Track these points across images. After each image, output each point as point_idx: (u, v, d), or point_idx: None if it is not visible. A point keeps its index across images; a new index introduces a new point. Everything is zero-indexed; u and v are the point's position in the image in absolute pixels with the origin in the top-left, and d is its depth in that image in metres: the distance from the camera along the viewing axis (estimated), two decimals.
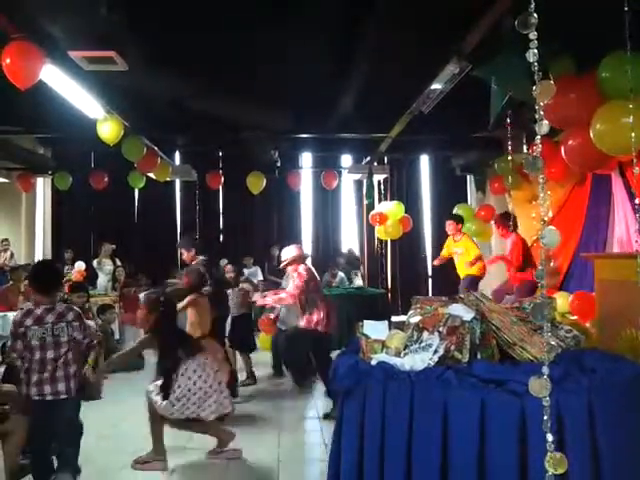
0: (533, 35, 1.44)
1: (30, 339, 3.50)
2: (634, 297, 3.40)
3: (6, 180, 9.21)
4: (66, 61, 4.46)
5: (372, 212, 9.34)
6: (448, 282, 8.88)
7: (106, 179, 9.32)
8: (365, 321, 3.09)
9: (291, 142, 9.35)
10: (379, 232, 9.67)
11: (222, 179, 9.55)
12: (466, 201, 10.83)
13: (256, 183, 9.31)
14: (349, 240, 11.87)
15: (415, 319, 2.95)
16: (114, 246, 9.81)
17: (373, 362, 2.70)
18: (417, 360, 2.60)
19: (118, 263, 9.87)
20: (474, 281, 7.42)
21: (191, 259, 6.22)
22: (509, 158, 6.85)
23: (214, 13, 4.65)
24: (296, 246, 5.74)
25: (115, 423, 5.13)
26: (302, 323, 5.35)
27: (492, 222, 8.19)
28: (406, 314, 3.24)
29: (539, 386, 1.42)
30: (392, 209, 9.21)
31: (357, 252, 11.35)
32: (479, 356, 2.63)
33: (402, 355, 2.73)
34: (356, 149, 9.87)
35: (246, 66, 5.87)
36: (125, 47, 4.30)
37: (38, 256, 10.54)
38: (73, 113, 6.05)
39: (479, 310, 2.80)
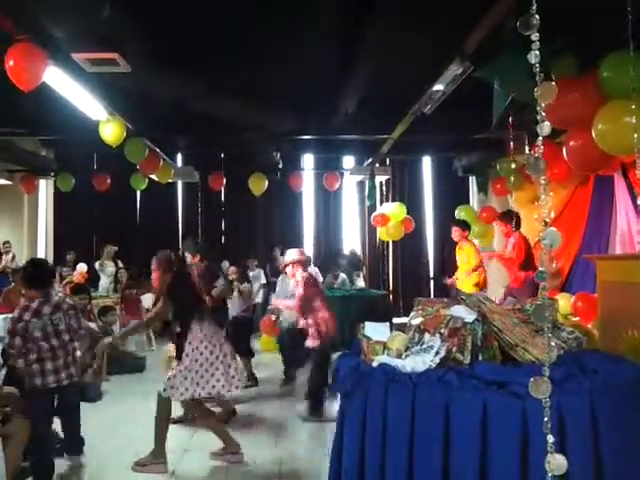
0: (535, 36, 1.44)
1: (32, 332, 3.72)
2: (636, 298, 3.40)
3: (9, 182, 9.23)
4: (69, 63, 4.47)
5: (374, 213, 9.34)
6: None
7: (108, 181, 9.33)
8: (366, 323, 3.09)
9: (293, 143, 9.35)
10: (381, 233, 9.66)
11: (224, 181, 9.56)
12: (468, 202, 10.81)
13: (258, 184, 9.31)
14: (351, 241, 11.88)
15: (417, 321, 2.95)
16: (116, 248, 9.82)
17: (374, 364, 2.70)
18: (418, 362, 2.60)
19: (120, 265, 9.89)
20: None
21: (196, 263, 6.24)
22: (511, 159, 6.85)
23: (215, 14, 4.65)
24: (298, 250, 5.74)
25: (115, 424, 5.14)
26: (315, 342, 5.31)
27: (494, 223, 8.18)
28: (408, 316, 3.23)
29: (539, 387, 1.42)
30: (394, 210, 9.21)
31: (359, 253, 11.34)
32: (481, 358, 2.63)
33: (403, 357, 2.73)
34: (358, 150, 9.87)
35: (247, 67, 5.87)
36: (128, 49, 4.31)
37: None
38: (76, 115, 6.06)
39: (481, 312, 2.80)
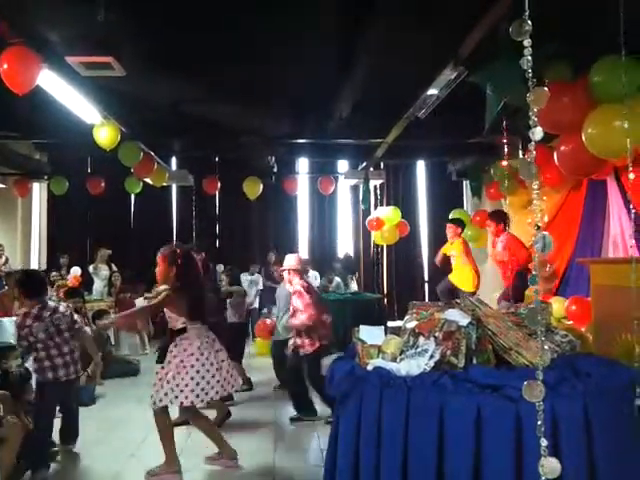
0: (527, 42, 1.45)
1: (37, 334, 4.13)
2: (630, 302, 3.41)
3: (2, 185, 9.20)
4: (63, 66, 4.46)
5: (369, 217, 9.35)
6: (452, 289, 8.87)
7: (102, 184, 9.31)
8: (361, 326, 3.09)
9: (288, 147, 9.36)
10: (376, 237, 9.68)
11: (219, 184, 9.55)
12: (462, 206, 10.85)
13: (253, 188, 9.31)
14: (345, 245, 11.88)
15: (411, 324, 2.96)
16: (110, 251, 9.79)
17: (369, 367, 2.70)
18: (413, 365, 2.60)
19: (114, 268, 9.86)
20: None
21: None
22: (505, 164, 6.87)
23: (214, 14, 4.66)
24: (297, 257, 5.71)
25: (109, 428, 5.12)
26: (308, 349, 5.30)
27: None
28: (402, 319, 3.24)
29: (533, 391, 1.43)
30: (388, 214, 9.23)
31: (352, 257, 11.34)
32: (475, 361, 2.64)
33: (398, 360, 2.74)
34: (352, 154, 9.88)
35: (244, 69, 5.87)
36: (122, 52, 4.30)
37: (34, 261, 10.50)
38: (70, 118, 6.05)
39: (475, 315, 2.81)
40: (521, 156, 7.04)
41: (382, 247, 11.22)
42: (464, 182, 10.89)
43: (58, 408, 4.51)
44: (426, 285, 11.69)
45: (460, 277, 7.56)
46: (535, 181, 1.39)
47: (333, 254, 11.38)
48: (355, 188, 10.99)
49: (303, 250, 11.39)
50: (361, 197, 9.54)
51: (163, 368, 3.99)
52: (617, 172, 6.00)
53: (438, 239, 9.19)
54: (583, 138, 4.14)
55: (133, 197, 11.07)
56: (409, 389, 2.43)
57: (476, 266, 7.58)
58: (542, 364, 1.43)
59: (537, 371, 1.45)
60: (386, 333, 3.10)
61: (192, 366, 3.89)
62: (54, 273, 9.40)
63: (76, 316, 4.67)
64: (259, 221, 11.58)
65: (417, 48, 5.05)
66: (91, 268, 9.62)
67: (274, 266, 7.80)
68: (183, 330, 4.10)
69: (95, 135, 6.24)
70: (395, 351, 2.80)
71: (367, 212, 9.96)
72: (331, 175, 10.12)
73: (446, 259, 7.92)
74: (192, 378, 3.87)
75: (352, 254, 11.44)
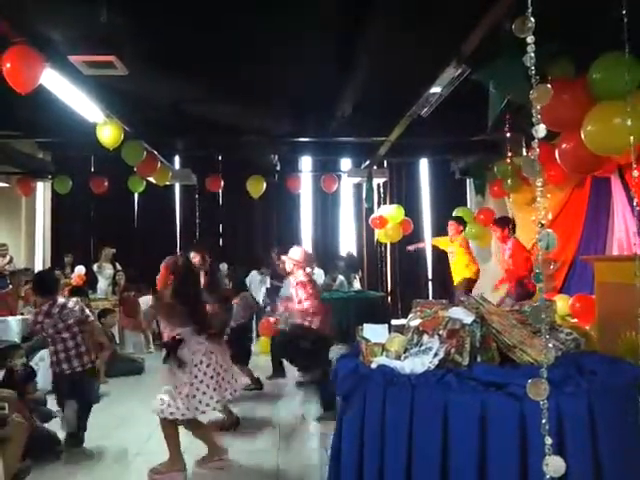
0: (530, 39, 1.45)
1: (47, 330, 4.47)
2: (634, 300, 3.40)
3: (6, 184, 9.21)
4: (66, 65, 4.46)
5: (372, 215, 9.35)
6: (448, 285, 8.88)
7: (106, 183, 9.32)
8: (365, 324, 3.09)
9: (290, 146, 9.36)
10: (379, 235, 9.67)
11: (222, 183, 9.55)
12: (465, 204, 10.83)
13: (256, 187, 9.31)
14: (348, 243, 11.87)
15: (415, 322, 2.95)
16: (114, 250, 9.80)
17: (373, 365, 2.70)
18: (417, 363, 2.60)
19: (118, 267, 9.87)
20: (469, 285, 7.41)
21: (201, 264, 6.24)
22: (508, 161, 6.86)
23: (214, 14, 4.66)
24: (303, 250, 5.72)
25: (114, 426, 5.13)
26: (305, 323, 5.32)
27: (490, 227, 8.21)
28: (406, 317, 3.24)
29: (537, 389, 1.43)
30: (392, 212, 9.23)
31: (355, 255, 11.33)
32: (479, 359, 2.63)
33: (402, 358, 2.73)
34: (355, 153, 9.87)
35: (246, 68, 5.88)
36: (125, 51, 4.30)
37: (38, 260, 10.53)
38: (73, 117, 6.06)
39: (479, 313, 2.80)
40: (524, 154, 7.03)
41: (386, 245, 11.21)
42: (467, 180, 10.86)
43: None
44: (430, 283, 11.67)
45: (461, 271, 7.59)
46: (539, 179, 1.38)
47: (336, 252, 11.36)
48: (358, 186, 10.98)
49: (306, 248, 11.38)
50: (364, 195, 9.53)
51: (170, 382, 3.92)
52: (621, 170, 5.99)
53: (442, 234, 9.18)
54: (582, 135, 4.12)
55: (136, 196, 11.07)
56: (413, 387, 2.43)
57: (476, 261, 7.62)
58: (547, 362, 1.42)
59: (541, 369, 1.44)
60: (390, 331, 3.10)
61: (195, 376, 3.88)
62: (58, 272, 9.42)
63: (87, 311, 4.83)
64: (262, 219, 11.58)
65: (419, 46, 5.04)
66: (95, 267, 9.63)
67: (277, 260, 7.80)
68: (180, 341, 3.98)
69: (98, 134, 6.25)
70: (399, 349, 2.80)
71: (370, 210, 9.95)
72: (334, 173, 10.12)
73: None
74: (197, 389, 3.86)
75: (355, 252, 11.43)
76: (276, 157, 9.93)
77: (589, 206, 7.08)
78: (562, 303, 6.31)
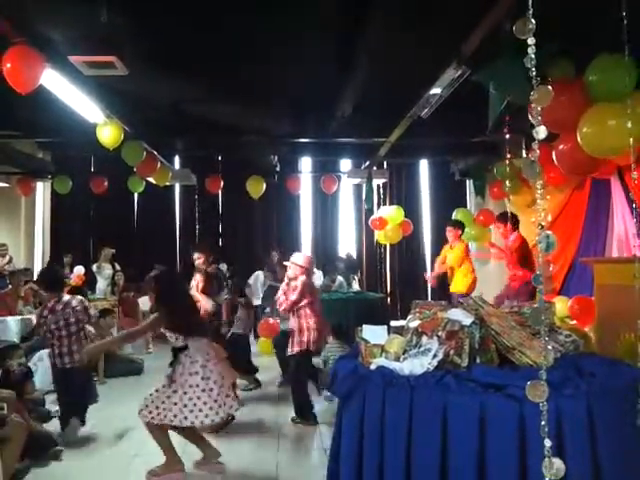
0: (531, 40, 1.45)
1: (49, 325, 4.77)
2: (633, 301, 3.40)
3: (6, 184, 9.21)
4: (66, 66, 4.46)
5: (372, 216, 9.34)
6: (447, 287, 8.87)
7: (106, 183, 9.31)
8: (364, 326, 3.09)
9: (290, 146, 9.35)
10: (379, 236, 9.66)
11: (222, 183, 9.55)
12: (465, 206, 10.83)
13: (256, 187, 9.30)
14: (348, 244, 11.87)
15: (414, 324, 2.95)
16: (114, 250, 9.80)
17: (372, 367, 2.70)
18: (416, 365, 2.60)
19: (117, 267, 9.86)
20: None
21: (204, 266, 6.24)
22: (508, 163, 6.86)
23: (215, 14, 4.66)
24: (307, 256, 5.71)
25: (113, 427, 5.12)
26: (295, 348, 5.29)
27: (491, 228, 8.23)
28: (405, 319, 3.24)
29: (536, 391, 1.42)
30: (392, 213, 9.22)
31: (355, 256, 11.32)
32: (478, 360, 2.63)
33: (401, 360, 2.73)
34: (355, 153, 9.87)
35: (247, 68, 5.88)
36: (125, 52, 4.30)
37: (37, 260, 10.53)
38: (73, 117, 6.05)
39: (478, 315, 2.80)
40: (524, 155, 7.04)
41: (385, 246, 11.21)
42: (467, 181, 10.87)
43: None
44: (429, 284, 11.67)
45: (456, 280, 7.57)
46: (539, 180, 1.38)
47: (335, 253, 11.36)
48: (358, 187, 10.99)
49: (306, 249, 11.38)
50: (364, 196, 9.53)
51: (165, 386, 3.87)
52: (621, 171, 5.99)
53: (441, 238, 9.17)
54: (578, 137, 4.11)
55: (136, 196, 11.08)
56: (412, 388, 2.43)
57: (474, 271, 7.59)
58: (546, 364, 1.42)
59: (541, 371, 1.44)
60: (389, 332, 3.09)
61: (197, 385, 3.82)
62: (66, 271, 9.44)
63: (91, 311, 5.17)
64: (262, 220, 11.58)
65: (419, 46, 5.04)
66: (94, 267, 9.63)
67: (277, 265, 7.79)
68: (185, 347, 3.96)
69: (98, 134, 6.24)
70: (398, 350, 2.80)
71: (370, 211, 9.94)
72: (334, 174, 10.11)
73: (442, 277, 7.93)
74: (199, 397, 3.80)
75: (355, 253, 11.43)
76: (276, 158, 9.93)
77: (589, 208, 7.08)
78: (561, 305, 6.31)
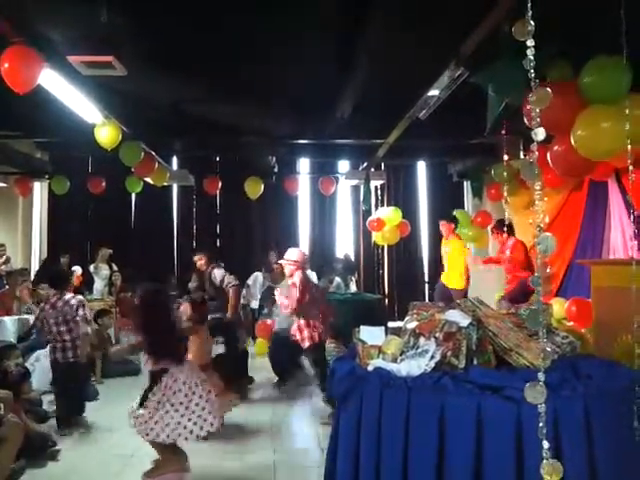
0: (530, 42, 1.45)
1: (49, 320, 5.06)
2: (630, 303, 3.41)
3: (3, 184, 9.19)
4: (65, 66, 4.45)
5: (370, 218, 9.35)
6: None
7: (103, 184, 9.30)
8: (362, 327, 3.09)
9: (289, 148, 9.35)
10: (377, 238, 9.67)
11: (219, 184, 9.54)
12: (463, 207, 10.84)
13: (254, 188, 9.30)
14: (346, 245, 11.87)
15: (412, 325, 2.96)
16: (111, 251, 9.78)
17: (370, 368, 2.70)
18: (413, 366, 2.60)
19: (115, 268, 9.85)
20: (460, 295, 7.42)
21: (206, 267, 6.25)
22: (506, 164, 6.87)
23: (214, 14, 4.66)
24: (300, 251, 5.74)
25: (109, 428, 5.12)
26: (306, 343, 5.33)
27: (489, 229, 8.26)
28: (403, 320, 3.24)
29: (534, 393, 1.42)
30: (389, 215, 9.22)
31: (352, 257, 11.33)
32: (475, 362, 2.64)
33: (398, 361, 2.74)
34: (353, 155, 9.88)
35: (245, 68, 5.87)
36: (124, 52, 4.29)
37: (34, 260, 10.51)
38: (71, 118, 6.04)
39: (475, 316, 2.81)
40: (522, 157, 7.05)
41: (383, 247, 11.21)
42: (465, 183, 10.88)
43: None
44: (426, 286, 11.68)
45: (451, 275, 7.62)
46: (537, 182, 1.38)
47: (333, 254, 11.37)
48: (356, 188, 10.98)
49: (303, 250, 11.37)
50: (362, 197, 9.52)
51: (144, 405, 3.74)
52: (618, 173, 6.00)
53: (438, 239, 9.19)
54: (572, 139, 4.11)
55: (134, 197, 11.06)
56: (409, 390, 2.43)
57: (467, 267, 7.66)
58: (544, 366, 1.42)
59: (539, 373, 1.44)
60: (386, 334, 3.10)
61: (181, 403, 3.70)
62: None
63: (81, 311, 5.19)
64: (260, 221, 11.57)
65: (419, 47, 5.05)
66: (92, 267, 9.61)
67: (275, 264, 7.81)
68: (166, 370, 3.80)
69: (96, 134, 6.24)
70: (395, 352, 2.80)
71: (368, 212, 9.95)
72: (332, 175, 10.11)
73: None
74: (182, 415, 3.68)
75: (352, 254, 11.43)
76: (274, 159, 9.93)
77: (586, 209, 7.09)
78: (558, 306, 6.32)
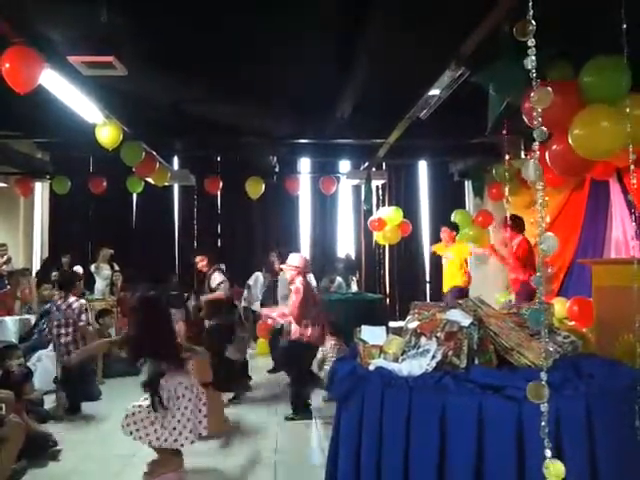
0: (531, 42, 1.45)
1: (52, 321, 5.37)
2: (632, 303, 3.41)
3: (4, 184, 9.20)
4: (65, 66, 4.45)
5: (371, 217, 9.35)
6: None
7: (104, 184, 9.29)
8: (363, 326, 3.09)
9: (290, 147, 9.34)
10: (378, 237, 9.67)
11: (220, 184, 9.54)
12: (464, 207, 10.83)
13: (255, 188, 9.29)
14: (347, 245, 11.86)
15: (413, 324, 2.96)
16: (112, 251, 9.77)
17: (371, 367, 2.70)
18: (415, 366, 2.60)
19: (116, 268, 9.85)
20: (461, 293, 7.41)
21: (207, 268, 6.25)
22: (507, 164, 6.86)
23: (214, 15, 4.66)
24: (302, 257, 5.73)
25: (111, 428, 5.11)
26: (295, 335, 5.34)
27: (493, 227, 8.26)
28: (404, 319, 3.24)
29: (537, 392, 1.42)
30: (391, 214, 9.22)
31: (354, 257, 11.32)
32: (477, 362, 2.63)
33: (400, 360, 2.73)
34: (354, 154, 9.87)
35: (246, 68, 5.87)
36: (124, 52, 4.29)
37: (36, 261, 10.51)
38: (72, 118, 6.05)
39: (477, 316, 2.80)
40: (523, 156, 7.05)
41: (384, 247, 11.21)
42: (466, 182, 10.87)
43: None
44: (428, 285, 11.67)
45: (452, 277, 7.63)
46: (539, 182, 1.38)
47: (334, 254, 11.36)
48: (357, 188, 10.97)
49: (305, 250, 11.38)
50: (363, 197, 9.52)
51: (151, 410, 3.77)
52: (619, 173, 5.99)
53: (440, 239, 9.19)
54: (569, 139, 4.10)
55: (135, 197, 11.07)
56: (411, 389, 2.43)
57: (469, 273, 7.70)
58: (545, 365, 1.42)
59: (541, 372, 1.44)
60: (388, 333, 3.10)
61: (178, 408, 3.74)
62: (55, 273, 9.41)
63: (84, 316, 5.40)
64: (261, 221, 11.56)
65: (419, 47, 5.04)
66: (93, 267, 9.60)
67: (276, 264, 7.81)
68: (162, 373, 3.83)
69: (97, 134, 6.24)
70: (397, 351, 2.80)
71: (369, 212, 9.94)
72: (333, 175, 10.10)
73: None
74: (169, 422, 3.72)
75: (354, 254, 11.42)
76: (275, 158, 9.92)
77: (587, 209, 7.09)
78: (560, 306, 6.31)
